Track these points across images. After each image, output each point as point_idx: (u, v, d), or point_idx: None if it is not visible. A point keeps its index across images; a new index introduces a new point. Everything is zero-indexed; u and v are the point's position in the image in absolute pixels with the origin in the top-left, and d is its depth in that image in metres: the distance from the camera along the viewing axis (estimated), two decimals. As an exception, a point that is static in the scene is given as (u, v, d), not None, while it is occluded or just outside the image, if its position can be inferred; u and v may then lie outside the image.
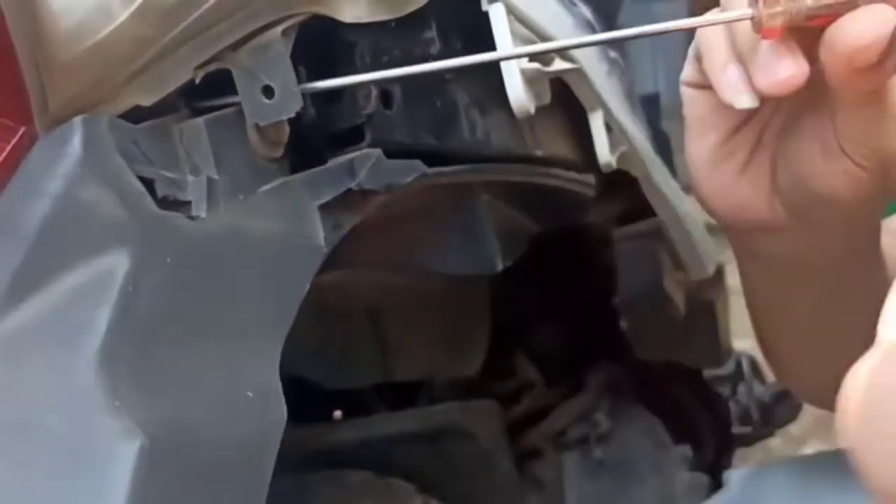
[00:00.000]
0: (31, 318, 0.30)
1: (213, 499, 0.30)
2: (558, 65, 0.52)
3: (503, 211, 0.58)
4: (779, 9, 0.33)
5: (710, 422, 1.01)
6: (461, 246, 0.54)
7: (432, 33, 0.45)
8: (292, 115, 0.36)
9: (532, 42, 0.50)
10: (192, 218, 0.34)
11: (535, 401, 0.98)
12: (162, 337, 0.31)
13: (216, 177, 0.35)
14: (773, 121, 0.39)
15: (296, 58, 0.39)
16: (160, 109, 0.35)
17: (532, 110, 0.47)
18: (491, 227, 0.55)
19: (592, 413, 0.96)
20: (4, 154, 0.31)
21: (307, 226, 0.38)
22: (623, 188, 0.73)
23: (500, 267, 0.56)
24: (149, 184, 0.33)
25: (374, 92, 0.41)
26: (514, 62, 0.46)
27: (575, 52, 0.55)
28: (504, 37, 0.45)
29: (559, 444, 0.95)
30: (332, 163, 0.40)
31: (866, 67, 0.32)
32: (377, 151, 0.41)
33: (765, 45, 0.34)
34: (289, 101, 0.36)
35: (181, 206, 0.34)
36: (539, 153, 0.57)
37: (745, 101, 0.35)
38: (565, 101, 0.59)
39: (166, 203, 0.34)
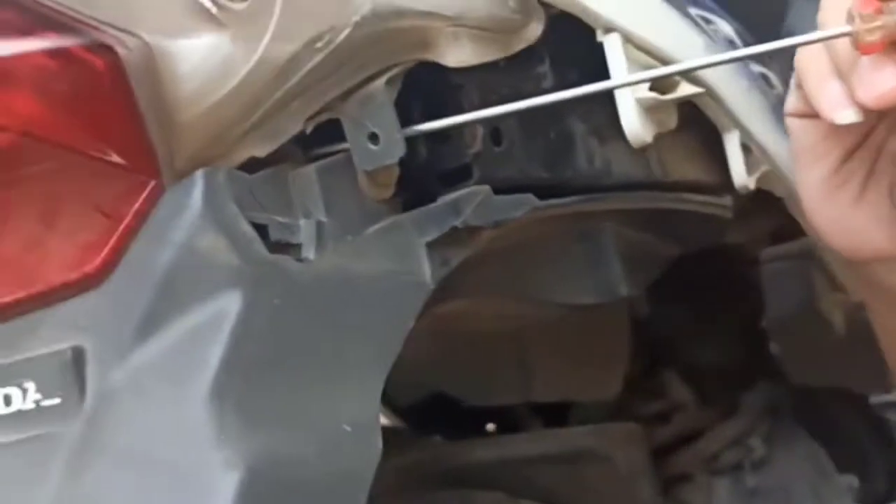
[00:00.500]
0: (155, 355, 0.33)
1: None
2: (683, 90, 0.51)
3: (631, 237, 0.57)
4: (877, 23, 0.31)
5: (880, 451, 0.94)
6: (583, 275, 0.54)
7: (545, 67, 0.46)
8: (396, 160, 0.38)
9: (654, 69, 0.49)
10: (300, 260, 0.36)
11: (686, 422, 0.95)
12: (269, 374, 0.34)
13: (325, 220, 0.37)
14: (889, 146, 0.37)
15: (409, 100, 0.41)
16: (277, 157, 0.38)
17: (649, 139, 0.47)
18: (615, 254, 0.54)
19: (747, 437, 0.93)
20: (137, 205, 0.35)
21: (414, 263, 0.40)
22: (773, 206, 0.70)
23: (624, 293, 0.55)
24: (262, 228, 0.36)
25: (481, 131, 0.42)
26: (628, 92, 0.45)
27: (704, 74, 0.53)
28: (619, 67, 0.45)
29: (711, 470, 0.91)
30: (440, 201, 0.41)
31: None
32: (485, 189, 0.42)
33: (865, 59, 0.33)
34: (392, 147, 0.37)
35: (292, 248, 0.37)
36: (666, 178, 0.55)
37: (848, 116, 0.34)
38: (699, 121, 0.58)
39: (279, 246, 0.37)
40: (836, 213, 0.38)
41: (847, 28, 0.32)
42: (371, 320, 0.38)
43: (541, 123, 0.47)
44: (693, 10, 0.59)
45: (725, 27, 0.65)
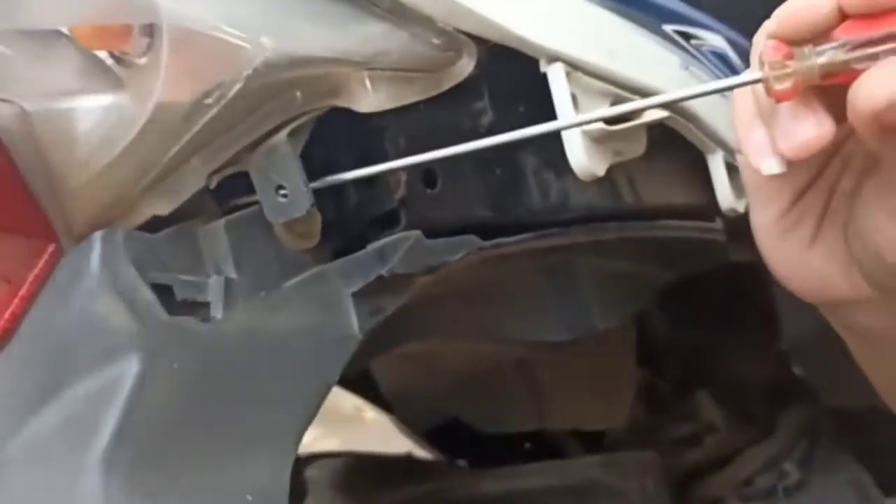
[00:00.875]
0: (49, 424, 0.33)
1: None
2: (650, 115, 0.48)
3: (612, 267, 0.55)
4: (787, 70, 0.29)
5: (929, 474, 0.89)
6: (553, 312, 0.51)
7: (484, 103, 0.44)
8: (303, 212, 0.37)
9: (611, 94, 0.47)
10: (207, 320, 0.36)
11: (717, 445, 0.92)
12: (166, 441, 0.33)
13: (234, 276, 0.36)
14: (842, 185, 0.34)
15: (336, 148, 0.40)
16: (190, 212, 0.37)
17: (601, 172, 0.44)
18: (589, 288, 0.52)
19: (782, 461, 0.88)
20: (37, 270, 0.35)
21: (339, 314, 0.39)
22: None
23: (601, 327, 0.53)
24: (167, 289, 0.35)
25: (404, 175, 0.40)
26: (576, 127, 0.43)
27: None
28: (564, 101, 0.43)
29: (743, 496, 0.87)
30: (367, 249, 0.40)
31: None
32: (415, 234, 0.40)
33: (783, 107, 0.30)
34: (299, 199, 0.36)
35: (200, 307, 0.36)
36: (641, 206, 0.53)
37: (770, 166, 0.31)
38: (683, 143, 0.55)
39: (186, 305, 0.36)
40: (790, 255, 0.36)
41: (758, 75, 0.30)
42: (286, 379, 0.36)
43: (486, 161, 0.45)
44: (669, 27, 0.56)
45: (715, 39, 0.62)
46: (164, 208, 0.36)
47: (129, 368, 0.33)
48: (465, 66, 0.41)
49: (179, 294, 0.36)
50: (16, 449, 0.33)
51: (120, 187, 0.35)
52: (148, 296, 0.34)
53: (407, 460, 0.82)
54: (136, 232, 0.35)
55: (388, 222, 0.41)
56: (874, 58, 0.27)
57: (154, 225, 0.36)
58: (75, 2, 0.33)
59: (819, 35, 0.29)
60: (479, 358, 0.60)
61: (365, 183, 0.41)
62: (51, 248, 0.34)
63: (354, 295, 0.39)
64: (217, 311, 0.36)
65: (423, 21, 0.39)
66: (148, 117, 0.34)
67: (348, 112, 0.39)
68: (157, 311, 0.34)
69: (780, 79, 0.29)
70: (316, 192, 0.38)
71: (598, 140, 0.44)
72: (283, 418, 0.36)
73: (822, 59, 0.29)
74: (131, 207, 0.35)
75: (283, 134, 0.36)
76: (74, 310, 0.34)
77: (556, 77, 0.43)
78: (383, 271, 0.39)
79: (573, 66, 0.44)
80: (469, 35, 0.41)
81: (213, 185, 0.37)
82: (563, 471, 0.73)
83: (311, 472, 0.77)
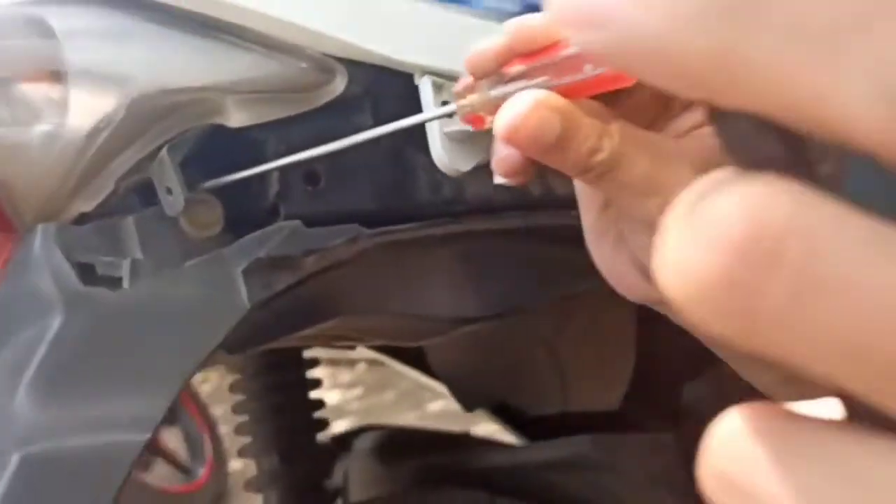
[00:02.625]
0: (2, 361, 0.46)
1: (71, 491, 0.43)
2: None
3: (542, 252, 0.61)
4: (465, 102, 0.35)
5: None
6: (467, 291, 0.58)
7: (366, 116, 0.52)
8: (178, 209, 0.47)
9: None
10: (114, 290, 0.47)
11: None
12: (76, 374, 0.45)
13: (140, 257, 0.48)
14: (618, 203, 0.37)
15: (239, 155, 0.50)
16: (118, 209, 0.49)
17: (466, 168, 0.51)
18: (506, 270, 0.59)
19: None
20: (6, 254, 0.48)
21: (230, 288, 0.49)
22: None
23: (525, 307, 0.59)
24: (90, 267, 0.48)
25: (277, 175, 0.50)
26: (436, 127, 0.51)
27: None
28: (428, 106, 0.51)
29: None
30: (250, 236, 0.50)
31: (544, 151, 0.32)
32: (293, 223, 0.50)
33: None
34: (177, 200, 0.47)
35: (116, 281, 0.48)
36: (550, 195, 0.58)
37: (498, 178, 0.36)
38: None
39: (105, 280, 0.48)
40: (605, 256, 0.39)
41: (453, 107, 0.36)
42: (175, 336, 0.47)
43: (375, 161, 0.53)
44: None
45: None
46: (87, 207, 0.48)
47: (53, 323, 0.46)
48: (338, 85, 0.50)
49: (100, 271, 0.48)
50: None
51: (52, 192, 0.47)
52: (69, 271, 0.47)
53: (434, 434, 0.90)
54: (67, 225, 0.48)
55: (270, 214, 0.50)
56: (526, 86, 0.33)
57: (92, 219, 0.49)
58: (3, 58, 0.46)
59: (491, 72, 0.35)
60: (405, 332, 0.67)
61: (250, 183, 0.51)
62: (15, 238, 0.48)
63: (244, 273, 0.49)
64: (126, 285, 0.48)
65: (292, 49, 0.49)
66: (64, 140, 0.46)
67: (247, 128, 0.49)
68: (76, 283, 0.47)
69: (461, 108, 0.35)
70: (219, 189, 0.49)
71: (461, 140, 0.51)
72: (169, 366, 0.47)
73: (493, 92, 0.34)
74: (64, 207, 0.48)
75: (165, 147, 0.47)
76: (20, 281, 0.47)
77: (425, 88, 0.51)
78: (261, 254, 0.49)
79: (444, 77, 0.52)
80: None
81: (121, 190, 0.48)
82: (559, 447, 0.78)
83: (357, 443, 0.87)
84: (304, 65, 0.49)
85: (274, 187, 0.50)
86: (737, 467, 0.14)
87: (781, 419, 0.14)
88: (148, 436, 0.44)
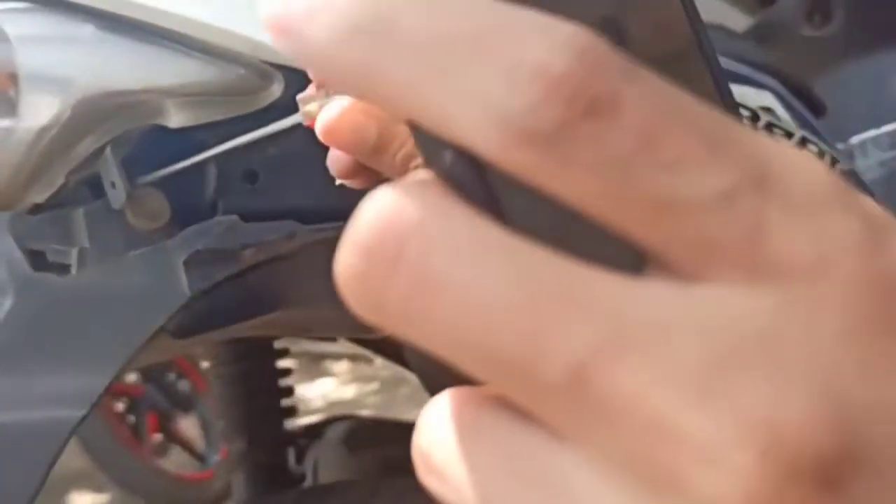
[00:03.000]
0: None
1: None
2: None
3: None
4: (308, 108, 0.38)
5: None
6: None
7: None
8: (123, 200, 0.51)
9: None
10: (61, 276, 0.51)
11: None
12: (26, 350, 0.49)
13: (87, 246, 0.52)
14: None
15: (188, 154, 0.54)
16: (73, 201, 0.54)
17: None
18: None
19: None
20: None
21: (171, 276, 0.53)
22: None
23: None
24: (42, 254, 0.52)
25: (214, 172, 0.54)
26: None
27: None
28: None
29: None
30: (191, 228, 0.53)
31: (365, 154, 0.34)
32: (231, 218, 0.53)
33: None
34: (120, 193, 0.51)
35: (66, 268, 0.52)
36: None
37: (337, 179, 0.38)
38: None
39: (55, 266, 0.52)
40: None
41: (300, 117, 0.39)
42: (117, 319, 0.51)
43: (314, 159, 0.56)
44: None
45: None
46: (39, 198, 0.52)
47: (5, 304, 0.50)
48: (276, 90, 0.54)
49: (50, 258, 0.52)
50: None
51: (6, 184, 0.51)
52: (20, 257, 0.51)
53: (401, 424, 0.93)
54: (21, 214, 0.52)
55: (209, 210, 0.54)
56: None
57: (45, 209, 0.53)
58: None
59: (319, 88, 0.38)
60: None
61: (192, 179, 0.54)
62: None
63: (185, 263, 0.53)
64: (74, 271, 0.52)
65: (232, 56, 0.52)
66: (17, 137, 0.50)
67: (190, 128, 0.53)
68: (27, 268, 0.51)
69: (307, 115, 0.38)
70: (164, 185, 0.53)
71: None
72: (110, 346, 0.51)
73: (332, 100, 0.38)
74: (18, 198, 0.52)
75: (108, 145, 0.51)
76: (-22, 267, 0.51)
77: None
78: (199, 246, 0.53)
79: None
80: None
81: (70, 184, 0.52)
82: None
83: (328, 431, 0.91)
84: (242, 71, 0.53)
85: (212, 184, 0.54)
86: (433, 449, 0.15)
87: (474, 405, 0.15)
88: (85, 412, 0.48)
